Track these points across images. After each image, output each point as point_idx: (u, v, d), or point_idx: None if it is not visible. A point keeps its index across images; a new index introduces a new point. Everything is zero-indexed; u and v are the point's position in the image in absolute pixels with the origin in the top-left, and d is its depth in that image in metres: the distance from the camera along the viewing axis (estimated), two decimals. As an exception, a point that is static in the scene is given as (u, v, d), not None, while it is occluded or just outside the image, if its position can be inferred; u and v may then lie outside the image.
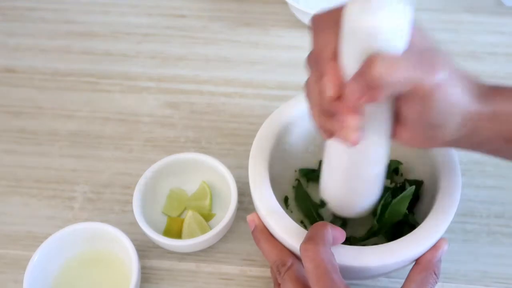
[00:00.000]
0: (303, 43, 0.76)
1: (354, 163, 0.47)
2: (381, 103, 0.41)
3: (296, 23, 0.78)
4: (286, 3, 0.75)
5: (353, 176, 0.48)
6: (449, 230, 0.51)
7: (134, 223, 0.56)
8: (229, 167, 0.59)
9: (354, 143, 0.40)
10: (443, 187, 0.49)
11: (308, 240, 0.43)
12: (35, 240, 0.59)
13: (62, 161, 0.66)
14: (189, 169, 0.61)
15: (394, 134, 0.43)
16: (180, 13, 0.80)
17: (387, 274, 0.51)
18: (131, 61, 0.75)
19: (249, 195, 0.52)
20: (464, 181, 0.50)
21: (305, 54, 0.79)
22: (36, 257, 0.53)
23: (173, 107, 0.70)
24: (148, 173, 0.58)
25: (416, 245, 0.46)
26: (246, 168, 0.51)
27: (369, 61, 0.36)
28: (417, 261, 0.47)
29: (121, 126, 0.69)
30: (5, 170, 0.65)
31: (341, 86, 0.39)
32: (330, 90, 0.39)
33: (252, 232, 0.50)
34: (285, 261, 0.47)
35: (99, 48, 0.77)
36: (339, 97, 0.39)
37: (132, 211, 0.56)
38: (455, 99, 0.39)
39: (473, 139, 0.42)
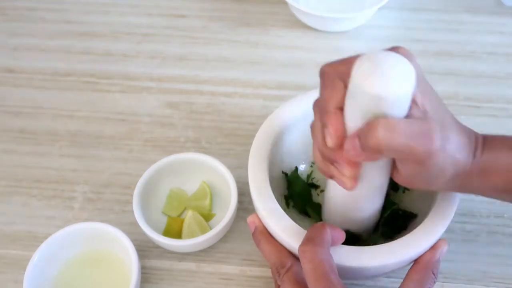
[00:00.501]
0: (303, 43, 0.77)
1: (352, 201, 0.48)
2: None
3: (296, 23, 0.78)
4: (286, 3, 0.75)
5: (351, 209, 0.49)
6: (449, 230, 0.51)
7: (134, 223, 0.56)
8: (229, 167, 0.59)
9: (350, 189, 0.43)
10: None
11: (306, 241, 0.43)
12: (35, 240, 0.59)
13: (62, 161, 0.66)
14: (189, 169, 0.61)
15: (392, 174, 0.45)
16: (180, 13, 0.80)
17: (386, 274, 0.51)
18: (131, 61, 0.75)
19: (249, 195, 0.52)
20: (464, 181, 0.50)
21: (305, 54, 0.80)
22: (36, 257, 0.53)
23: (173, 107, 0.70)
24: (148, 173, 0.58)
25: (415, 245, 0.46)
26: (246, 168, 0.51)
27: (370, 126, 0.38)
28: (416, 261, 0.47)
29: (121, 126, 0.69)
30: (5, 170, 0.65)
31: (341, 138, 0.41)
32: (330, 142, 0.41)
33: (253, 234, 0.50)
34: (284, 262, 0.47)
35: (99, 48, 0.77)
36: (339, 147, 0.41)
37: (132, 211, 0.56)
38: (448, 164, 0.41)
39: (464, 190, 0.45)
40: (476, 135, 0.44)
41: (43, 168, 0.65)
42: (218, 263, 0.58)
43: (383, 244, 0.47)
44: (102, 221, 0.56)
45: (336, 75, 0.41)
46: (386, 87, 0.37)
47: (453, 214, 0.48)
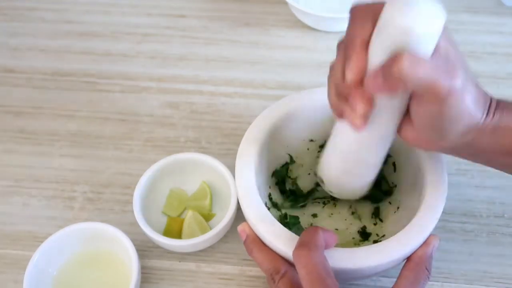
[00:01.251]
0: (303, 43, 0.77)
1: (357, 147, 0.48)
2: (396, 98, 0.42)
3: (296, 23, 0.78)
4: (286, 3, 0.75)
5: (352, 159, 0.49)
6: (449, 230, 0.52)
7: (134, 223, 0.56)
8: (229, 167, 0.59)
9: (359, 129, 0.42)
10: (430, 184, 0.49)
11: (300, 246, 0.43)
12: (35, 240, 0.59)
13: (62, 161, 0.66)
14: (189, 169, 0.61)
15: (400, 131, 0.45)
16: (180, 13, 0.80)
17: (380, 273, 0.51)
18: (131, 61, 0.75)
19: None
20: (464, 181, 0.51)
21: (305, 54, 0.79)
22: (36, 257, 0.53)
23: (173, 107, 0.70)
24: (148, 173, 0.58)
25: (408, 243, 0.47)
26: (246, 168, 0.51)
27: (396, 56, 0.38)
28: (408, 258, 0.48)
29: (121, 126, 0.69)
30: (5, 170, 0.65)
31: (362, 74, 0.40)
32: (351, 75, 0.41)
33: (244, 242, 0.50)
34: (279, 269, 0.46)
35: (99, 48, 0.77)
36: (357, 84, 0.41)
37: (132, 211, 0.56)
38: (466, 107, 0.40)
39: (472, 148, 0.44)
40: (490, 96, 0.44)
41: (43, 168, 0.65)
42: (218, 263, 0.58)
43: (376, 244, 0.47)
44: (102, 221, 0.56)
45: (366, 13, 0.41)
46: (417, 20, 0.38)
47: (442, 209, 0.48)
